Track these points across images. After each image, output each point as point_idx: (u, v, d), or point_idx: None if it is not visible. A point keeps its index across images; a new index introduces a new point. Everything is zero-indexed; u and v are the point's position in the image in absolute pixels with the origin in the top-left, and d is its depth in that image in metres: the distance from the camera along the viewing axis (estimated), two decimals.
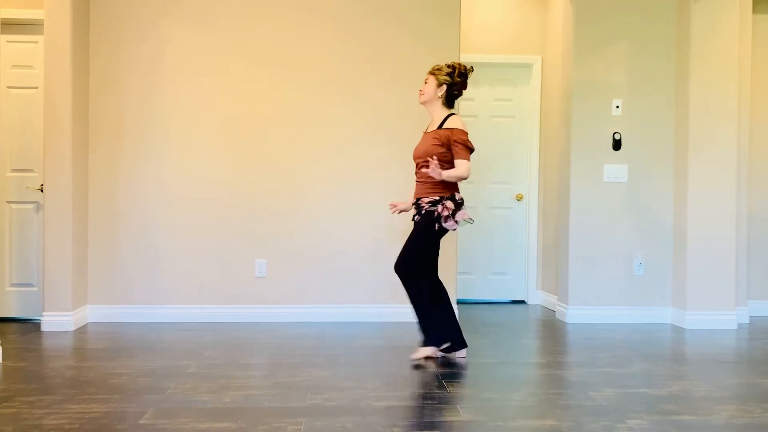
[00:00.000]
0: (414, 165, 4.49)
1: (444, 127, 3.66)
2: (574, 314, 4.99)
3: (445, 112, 3.75)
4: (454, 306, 4.73)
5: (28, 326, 4.59)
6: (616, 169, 4.99)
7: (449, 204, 3.62)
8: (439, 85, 3.71)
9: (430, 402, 2.94)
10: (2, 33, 4.68)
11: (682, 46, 4.91)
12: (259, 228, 4.86)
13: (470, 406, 2.88)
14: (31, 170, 4.78)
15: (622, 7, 4.97)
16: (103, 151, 4.78)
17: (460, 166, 3.59)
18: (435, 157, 3.57)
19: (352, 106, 4.89)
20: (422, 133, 4.03)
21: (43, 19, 4.55)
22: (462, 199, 3.69)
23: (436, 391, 3.10)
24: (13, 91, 4.76)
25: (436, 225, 3.62)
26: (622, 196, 5.00)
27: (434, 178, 3.62)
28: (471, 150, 3.63)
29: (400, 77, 4.90)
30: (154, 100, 4.80)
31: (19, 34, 4.75)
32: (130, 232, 4.79)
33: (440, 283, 3.79)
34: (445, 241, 4.91)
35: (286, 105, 4.86)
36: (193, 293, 4.83)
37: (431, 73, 3.74)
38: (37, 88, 4.76)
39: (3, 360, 3.62)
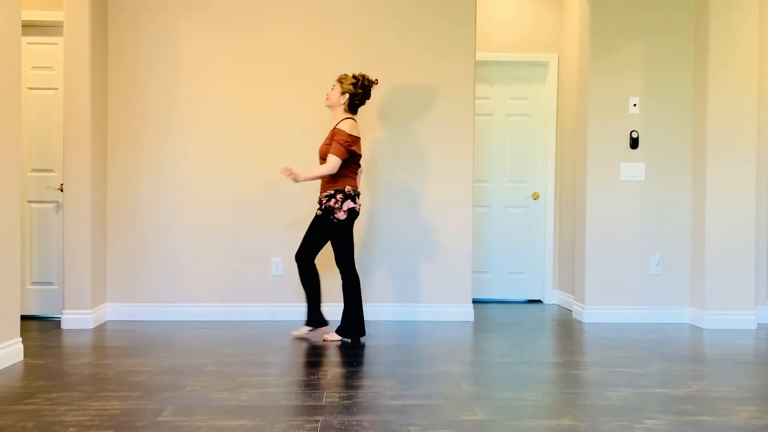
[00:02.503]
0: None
1: (335, 128, 4.07)
2: (590, 314, 4.97)
3: (344, 116, 4.13)
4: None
5: (49, 324, 4.66)
6: (633, 167, 4.96)
7: (339, 196, 4.04)
8: (343, 93, 4.12)
9: (445, 401, 2.94)
10: (23, 35, 4.75)
11: (701, 44, 4.86)
12: (275, 227, 4.88)
13: (486, 406, 2.88)
14: (51, 170, 4.84)
15: (639, 3, 4.93)
16: (122, 152, 4.83)
17: (328, 161, 4.00)
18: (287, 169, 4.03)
19: (366, 113, 4.90)
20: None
21: (62, 21, 4.61)
22: (352, 191, 4.07)
23: (452, 390, 3.10)
24: (33, 92, 4.82)
25: (332, 218, 4.05)
26: (639, 195, 4.97)
27: (330, 175, 4.03)
28: (347, 151, 3.99)
29: (413, 85, 4.90)
30: (171, 101, 4.84)
31: (39, 35, 4.82)
32: (148, 231, 4.84)
33: (356, 274, 4.14)
34: (458, 240, 4.91)
35: (301, 109, 4.88)
36: (210, 291, 4.87)
37: (338, 80, 4.14)
38: (56, 89, 4.82)
39: (24, 357, 3.68)
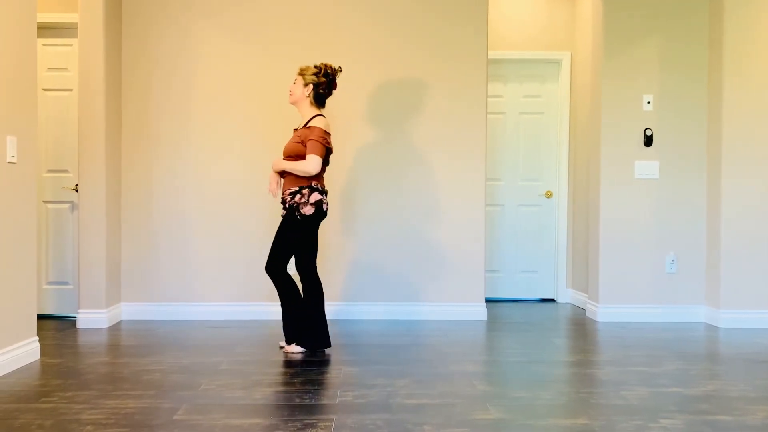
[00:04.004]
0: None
1: (307, 125, 3.76)
2: (604, 312, 4.94)
3: (313, 112, 3.83)
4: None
5: (65, 323, 4.70)
6: (647, 165, 4.92)
7: (305, 191, 3.72)
8: (306, 84, 3.81)
9: (459, 400, 2.93)
10: (38, 37, 4.79)
11: (716, 40, 4.82)
12: None
13: (500, 405, 2.87)
14: (66, 170, 4.88)
15: (652, 1, 4.89)
16: (136, 152, 4.86)
17: (309, 160, 3.67)
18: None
19: (376, 112, 4.91)
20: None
21: (77, 23, 4.64)
22: (319, 188, 3.75)
23: (466, 390, 3.10)
24: (48, 93, 4.87)
25: (297, 214, 3.72)
26: (653, 193, 4.94)
27: (296, 171, 3.72)
28: (326, 149, 3.73)
29: (425, 84, 4.90)
30: (185, 102, 4.87)
31: (54, 37, 4.86)
32: (162, 231, 4.87)
33: (318, 280, 3.84)
34: (471, 239, 4.90)
35: None
36: (224, 290, 4.90)
37: (299, 73, 3.84)
38: (71, 90, 4.86)
39: (41, 356, 3.71)
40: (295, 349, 3.82)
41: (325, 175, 4.86)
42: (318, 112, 3.84)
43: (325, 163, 3.83)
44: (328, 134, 3.76)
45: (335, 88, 3.92)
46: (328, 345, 3.84)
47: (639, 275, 4.95)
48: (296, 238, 3.76)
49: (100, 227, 4.55)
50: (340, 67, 3.91)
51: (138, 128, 4.86)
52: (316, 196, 3.72)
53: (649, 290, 4.95)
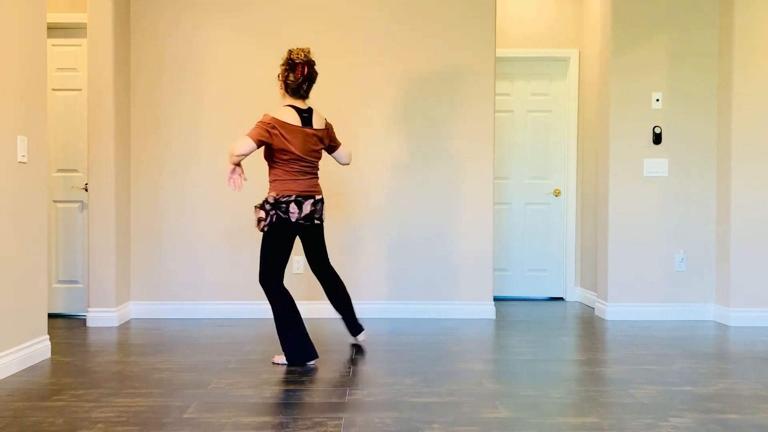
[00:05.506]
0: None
1: None
2: (613, 311, 4.93)
3: (284, 103, 3.55)
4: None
5: (75, 322, 4.72)
6: (656, 163, 4.90)
7: (267, 206, 3.44)
8: (279, 75, 3.56)
9: (468, 398, 2.93)
10: (47, 37, 4.82)
11: (726, 36, 4.79)
12: None
13: (509, 403, 2.87)
14: (75, 170, 4.91)
15: None
16: (145, 151, 4.88)
17: (238, 139, 3.38)
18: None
19: (383, 111, 4.91)
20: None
21: (86, 23, 4.66)
22: (275, 198, 3.45)
23: (475, 388, 3.10)
24: (58, 93, 4.89)
25: (259, 229, 3.48)
26: (662, 191, 4.92)
27: (270, 177, 3.52)
28: (265, 132, 3.35)
29: (433, 82, 4.89)
30: (194, 102, 4.88)
31: (64, 37, 4.89)
32: (171, 229, 4.89)
33: (286, 292, 3.56)
34: (479, 238, 4.89)
35: (324, 111, 4.89)
36: (233, 289, 4.91)
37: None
38: (80, 90, 4.88)
39: (52, 354, 3.73)
40: (280, 360, 3.56)
41: (325, 175, 4.87)
42: (289, 103, 3.51)
43: (293, 163, 3.47)
44: (281, 123, 3.39)
45: (306, 75, 3.48)
46: (315, 356, 3.54)
47: (648, 273, 4.93)
48: (269, 247, 3.50)
49: (110, 226, 4.57)
50: (308, 52, 3.50)
51: (147, 127, 4.88)
52: (260, 213, 3.43)
53: (658, 288, 4.93)
